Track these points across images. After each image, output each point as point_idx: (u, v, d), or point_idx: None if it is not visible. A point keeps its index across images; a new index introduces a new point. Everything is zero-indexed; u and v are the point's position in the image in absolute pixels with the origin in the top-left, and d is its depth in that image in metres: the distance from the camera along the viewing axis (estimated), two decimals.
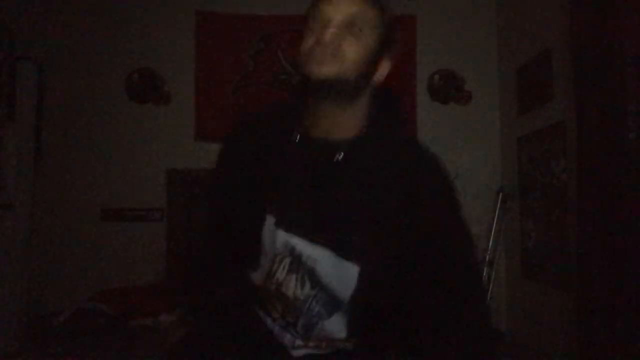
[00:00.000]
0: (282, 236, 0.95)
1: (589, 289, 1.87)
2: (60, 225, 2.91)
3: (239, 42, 3.08)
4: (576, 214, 1.98)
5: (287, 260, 0.96)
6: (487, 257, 2.98)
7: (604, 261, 1.81)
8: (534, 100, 2.64)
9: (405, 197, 0.93)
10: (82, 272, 2.88)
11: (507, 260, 3.00)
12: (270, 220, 0.96)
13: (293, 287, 0.95)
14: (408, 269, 0.94)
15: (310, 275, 0.94)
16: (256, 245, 0.98)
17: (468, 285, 0.97)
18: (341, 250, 0.92)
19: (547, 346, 2.45)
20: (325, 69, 0.89)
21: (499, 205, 2.98)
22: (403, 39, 3.14)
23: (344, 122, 0.96)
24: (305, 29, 0.96)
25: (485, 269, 2.99)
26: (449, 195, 1.01)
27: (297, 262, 0.95)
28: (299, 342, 0.96)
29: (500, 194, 2.99)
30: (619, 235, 1.76)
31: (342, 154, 0.94)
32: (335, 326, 0.96)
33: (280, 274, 0.96)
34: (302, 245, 0.94)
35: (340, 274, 0.93)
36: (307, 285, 0.95)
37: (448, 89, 3.13)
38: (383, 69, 0.99)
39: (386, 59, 0.99)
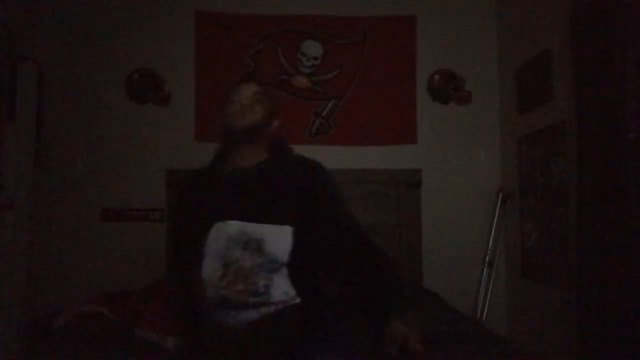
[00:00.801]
0: (235, 225, 1.42)
1: (589, 289, 1.87)
2: (60, 225, 2.91)
3: (239, 42, 3.08)
4: (576, 214, 1.98)
5: (241, 242, 1.40)
6: (487, 257, 2.98)
7: (604, 261, 1.81)
8: (534, 100, 2.64)
9: (299, 186, 1.49)
10: (82, 272, 2.88)
11: (507, 260, 3.01)
12: (220, 222, 1.43)
13: (248, 260, 1.39)
14: (312, 230, 1.45)
15: (259, 247, 1.40)
16: (203, 244, 1.43)
17: (350, 234, 1.51)
18: (276, 221, 1.42)
19: (547, 346, 2.45)
20: (245, 120, 1.48)
21: (499, 205, 2.98)
22: (403, 39, 3.14)
23: (254, 154, 1.53)
24: (227, 99, 1.52)
25: (485, 269, 3.00)
26: (322, 179, 1.56)
27: (248, 241, 1.40)
28: (263, 308, 1.38)
29: (500, 194, 2.99)
30: (619, 235, 1.76)
31: (263, 166, 1.51)
32: (284, 286, 1.40)
33: (239, 253, 1.40)
34: (251, 226, 1.41)
35: (280, 236, 1.41)
36: (256, 256, 1.39)
37: (448, 89, 3.13)
38: (276, 124, 1.58)
39: (276, 119, 1.58)
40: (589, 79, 1.91)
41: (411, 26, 3.14)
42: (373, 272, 1.42)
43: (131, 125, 3.01)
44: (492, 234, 2.98)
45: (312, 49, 3.11)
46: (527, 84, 2.73)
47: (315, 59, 3.10)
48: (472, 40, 3.16)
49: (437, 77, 3.13)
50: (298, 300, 1.41)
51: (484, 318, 2.88)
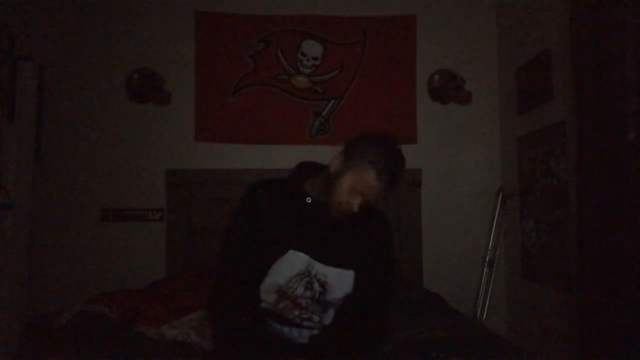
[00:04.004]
0: (304, 259, 1.48)
1: (589, 289, 1.87)
2: (60, 225, 2.91)
3: (239, 42, 3.08)
4: (576, 214, 1.98)
5: (305, 280, 1.49)
6: (487, 257, 2.98)
7: (604, 261, 1.81)
8: (534, 100, 2.64)
9: (372, 239, 1.57)
10: (82, 272, 2.88)
11: (507, 260, 3.01)
12: (293, 250, 1.48)
13: (306, 298, 1.49)
14: (362, 282, 1.53)
15: (321, 292, 1.50)
16: (267, 269, 1.48)
17: (380, 303, 1.57)
18: (341, 266, 1.51)
19: (547, 346, 2.45)
20: (341, 217, 1.47)
21: (499, 205, 2.98)
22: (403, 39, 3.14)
23: None
24: (347, 183, 1.42)
25: (485, 269, 3.00)
26: (387, 241, 1.64)
27: (312, 281, 1.49)
28: (315, 331, 1.52)
29: (500, 194, 2.99)
30: (619, 235, 1.76)
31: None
32: (330, 317, 1.54)
33: (300, 290, 1.49)
34: (318, 266, 1.49)
35: (343, 281, 1.51)
36: (315, 300, 1.50)
37: (448, 89, 3.13)
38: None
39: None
40: (589, 79, 1.91)
41: (411, 26, 3.14)
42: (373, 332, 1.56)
43: (131, 125, 3.01)
44: (492, 234, 2.98)
45: (312, 49, 3.11)
46: (527, 84, 2.73)
47: (315, 59, 3.10)
48: (472, 40, 3.16)
49: (437, 77, 3.13)
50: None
51: (484, 318, 2.88)
